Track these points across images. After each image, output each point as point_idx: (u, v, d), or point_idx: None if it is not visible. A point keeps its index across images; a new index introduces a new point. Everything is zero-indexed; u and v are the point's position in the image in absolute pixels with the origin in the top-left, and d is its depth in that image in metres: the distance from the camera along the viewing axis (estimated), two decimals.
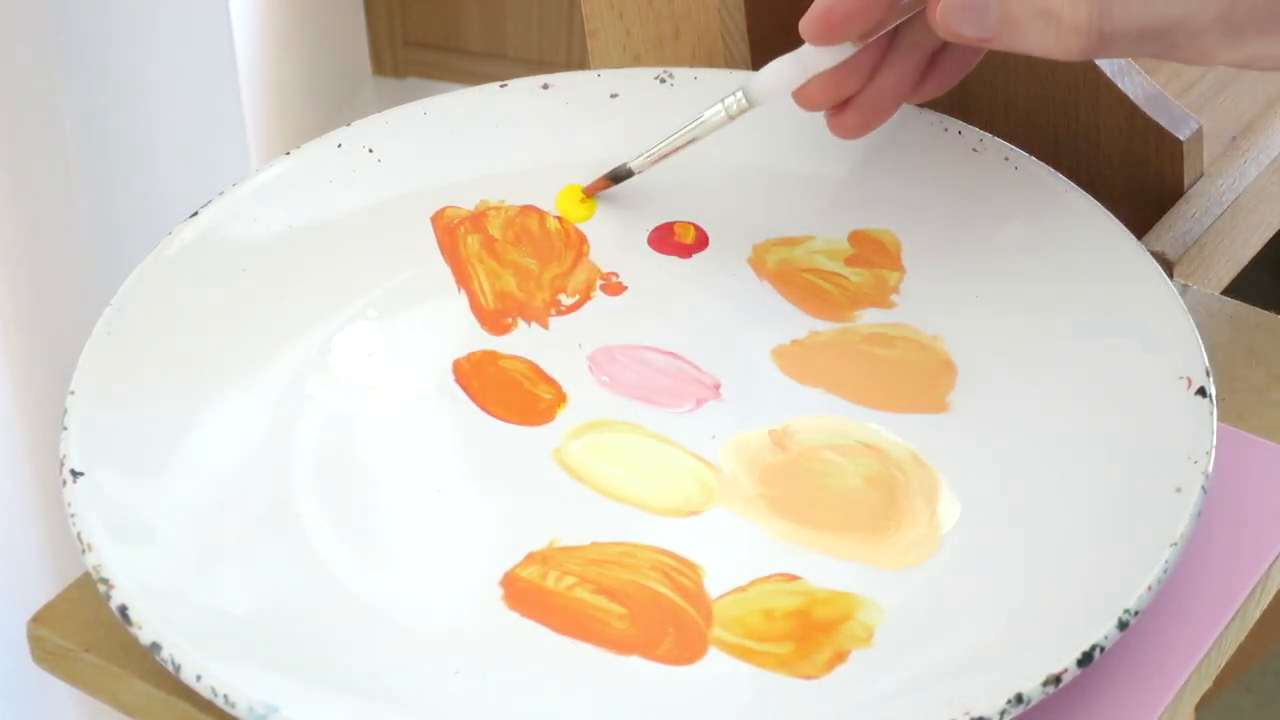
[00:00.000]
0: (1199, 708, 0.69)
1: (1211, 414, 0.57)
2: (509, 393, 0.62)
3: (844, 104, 0.63)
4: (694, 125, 0.65)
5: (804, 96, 0.63)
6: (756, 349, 0.63)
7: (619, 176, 0.66)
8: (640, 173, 0.66)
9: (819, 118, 0.64)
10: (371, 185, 0.68)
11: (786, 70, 0.63)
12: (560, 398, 0.62)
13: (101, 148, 1.38)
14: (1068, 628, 0.52)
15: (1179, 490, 0.55)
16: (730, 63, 0.72)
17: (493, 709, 0.53)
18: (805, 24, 0.61)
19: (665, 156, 0.65)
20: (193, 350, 0.62)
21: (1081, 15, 0.56)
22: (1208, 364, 0.58)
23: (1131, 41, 0.57)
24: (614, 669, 0.54)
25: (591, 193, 0.67)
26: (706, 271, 0.66)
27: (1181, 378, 0.58)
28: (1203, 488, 0.55)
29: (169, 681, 0.54)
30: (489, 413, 0.61)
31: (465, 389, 0.62)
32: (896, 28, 0.62)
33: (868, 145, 0.67)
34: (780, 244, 0.67)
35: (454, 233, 0.67)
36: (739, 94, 0.64)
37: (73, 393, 0.59)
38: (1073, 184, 0.65)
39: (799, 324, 0.64)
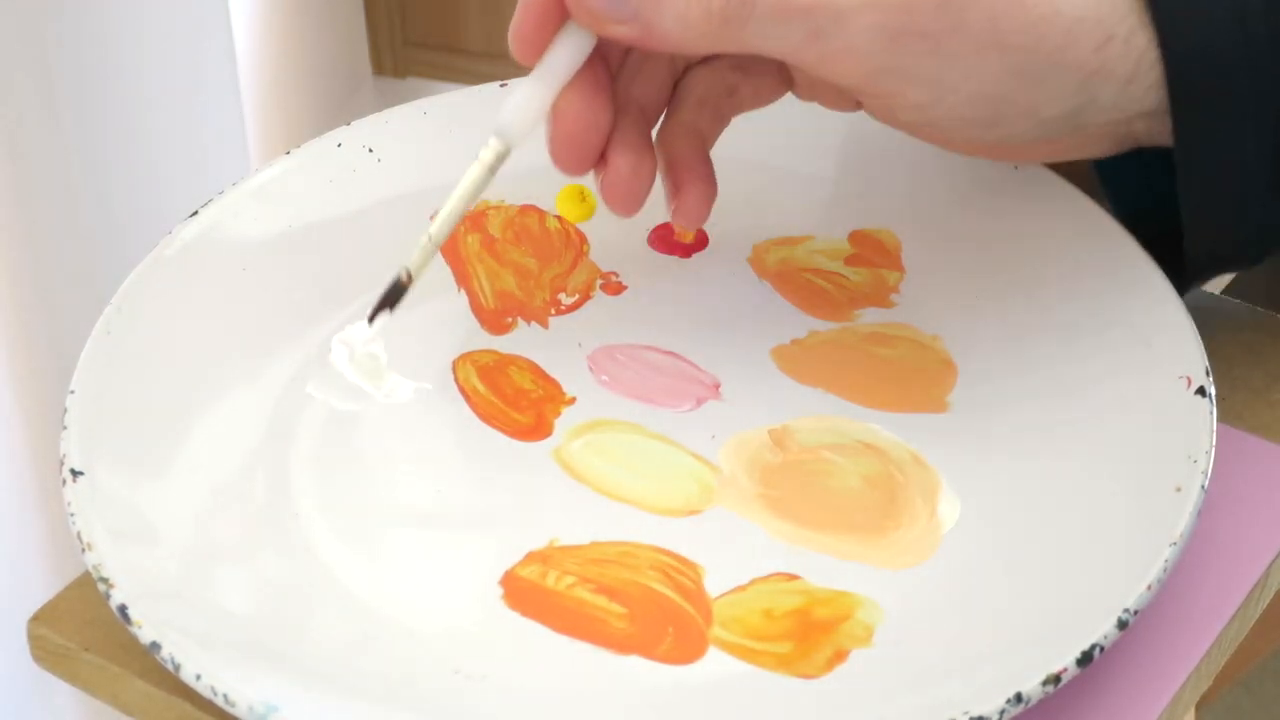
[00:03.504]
0: (1199, 708, 0.69)
1: (1211, 414, 0.57)
2: (508, 409, 0.62)
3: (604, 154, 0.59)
4: (457, 199, 0.58)
5: (560, 144, 0.59)
6: (756, 349, 0.63)
7: (397, 294, 0.59)
8: (417, 278, 0.59)
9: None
10: (371, 185, 0.68)
11: (528, 94, 0.58)
12: (557, 412, 0.62)
13: (101, 148, 1.38)
14: (1068, 627, 0.52)
15: (1179, 490, 0.55)
16: None
17: (493, 709, 0.53)
18: (511, 45, 0.58)
19: (436, 247, 0.59)
20: (192, 350, 0.62)
21: None
22: (1208, 364, 0.58)
23: (774, 14, 0.54)
24: (614, 669, 0.54)
25: (377, 316, 0.59)
26: (706, 271, 0.66)
27: (1181, 378, 0.58)
28: (1203, 487, 0.55)
29: (169, 681, 0.54)
30: (490, 426, 0.61)
31: (465, 399, 0.62)
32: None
33: (868, 145, 0.68)
34: (780, 244, 0.67)
35: (454, 232, 0.67)
36: (491, 140, 0.58)
37: (73, 393, 0.59)
38: (1072, 184, 0.65)
39: (799, 324, 0.64)
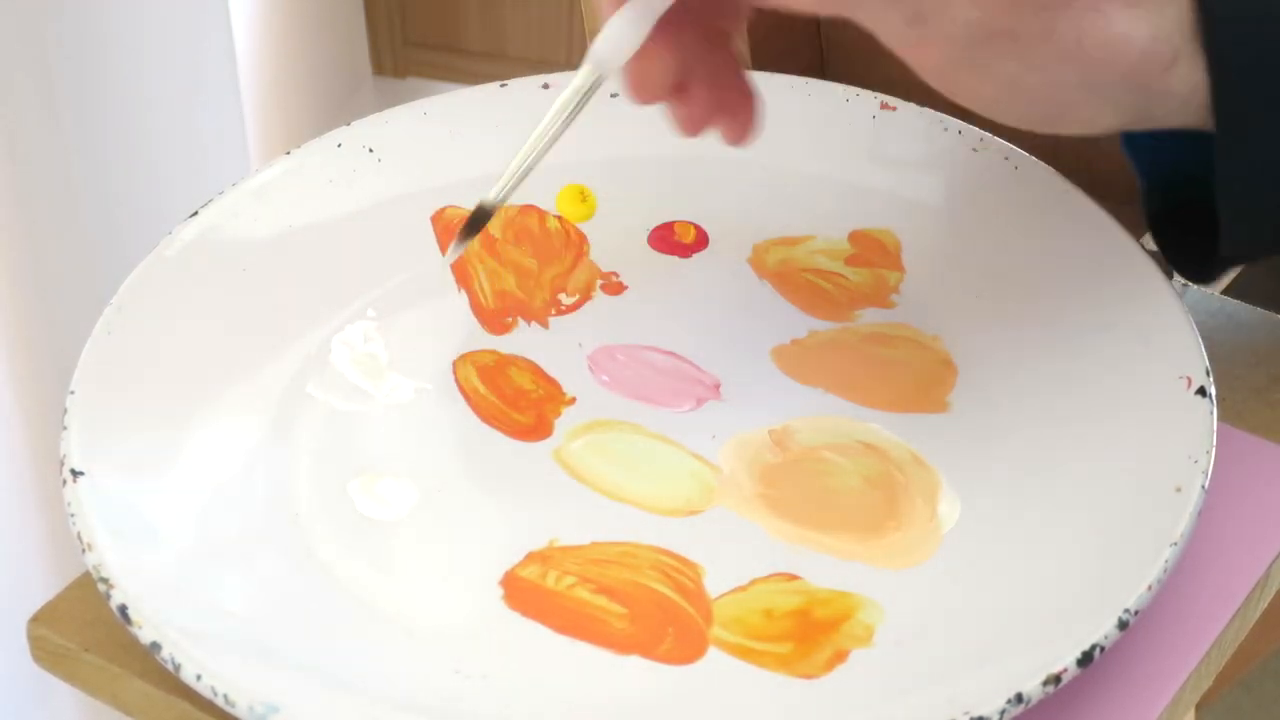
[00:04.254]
0: (1199, 708, 0.69)
1: (1211, 414, 0.57)
2: (508, 409, 0.62)
3: (684, 86, 0.59)
4: (546, 128, 0.59)
5: (637, 78, 0.58)
6: (756, 349, 0.63)
7: (479, 218, 0.59)
8: (500, 203, 0.59)
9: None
10: (371, 185, 0.68)
11: (624, 23, 0.57)
12: (557, 412, 0.62)
13: (101, 148, 1.38)
14: (1068, 627, 0.52)
15: (1179, 490, 0.55)
16: None
17: (493, 709, 0.53)
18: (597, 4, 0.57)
19: (525, 172, 0.59)
20: (193, 350, 0.62)
21: None
22: (1208, 364, 0.58)
23: None
24: (614, 669, 0.54)
25: (460, 243, 0.60)
26: (706, 271, 0.66)
27: (1181, 378, 0.58)
28: (1203, 488, 0.55)
29: (169, 681, 0.54)
30: (490, 425, 0.61)
31: (466, 399, 0.62)
32: None
33: (868, 145, 0.68)
34: (780, 244, 0.67)
35: (454, 232, 0.67)
36: (584, 68, 0.58)
37: (73, 393, 0.59)
38: (1072, 184, 0.65)
39: (799, 324, 0.64)
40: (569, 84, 0.58)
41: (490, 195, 0.59)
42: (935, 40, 0.55)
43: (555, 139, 0.59)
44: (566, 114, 0.59)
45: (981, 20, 0.55)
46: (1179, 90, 0.57)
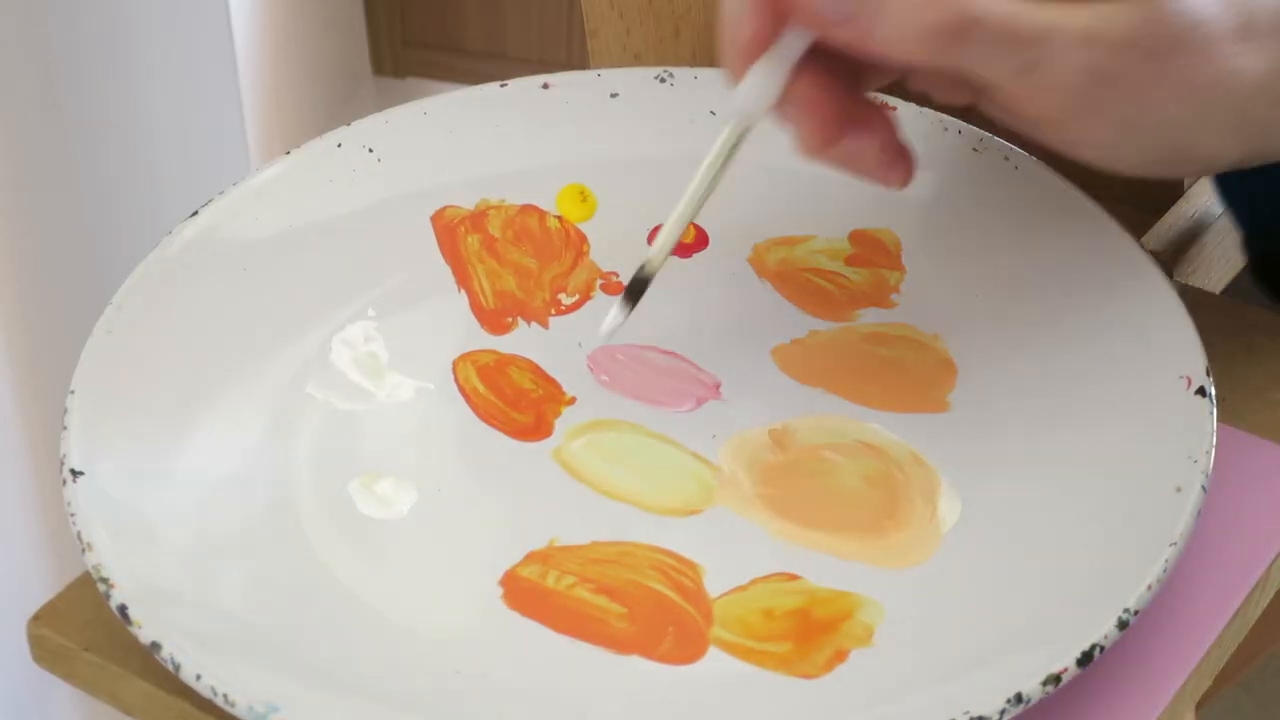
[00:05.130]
0: (1199, 708, 0.69)
1: (1211, 414, 0.57)
2: (508, 409, 0.62)
3: (841, 117, 0.59)
4: (699, 185, 0.60)
5: (811, 130, 0.59)
6: (756, 349, 0.63)
7: (642, 284, 0.61)
8: (661, 267, 0.61)
9: None
10: (371, 185, 0.68)
11: (762, 73, 0.58)
12: (557, 412, 0.62)
13: (102, 148, 1.38)
14: (1068, 627, 0.52)
15: (1179, 490, 0.55)
16: None
17: (493, 709, 0.53)
18: (727, 58, 0.58)
19: (681, 232, 0.61)
20: (193, 350, 0.62)
21: None
22: (1208, 364, 0.58)
23: (993, 40, 0.54)
24: (614, 669, 0.54)
25: (622, 311, 0.61)
26: (706, 271, 0.66)
27: (1181, 378, 0.58)
28: (1203, 488, 0.55)
29: (169, 681, 0.54)
30: (490, 425, 0.61)
31: (466, 399, 0.62)
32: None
33: None
34: (780, 243, 0.67)
35: (454, 232, 0.67)
36: (730, 122, 0.60)
37: (73, 393, 0.59)
38: (1072, 184, 0.65)
39: (799, 323, 0.64)
40: (716, 140, 0.60)
41: (651, 258, 0.61)
42: (1048, 88, 0.55)
43: (706, 198, 0.60)
44: (716, 171, 0.60)
45: (1092, 65, 0.55)
46: None
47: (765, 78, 0.58)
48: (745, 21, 0.58)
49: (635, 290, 0.61)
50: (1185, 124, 0.56)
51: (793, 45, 0.58)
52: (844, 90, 0.59)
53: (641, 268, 0.61)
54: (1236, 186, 0.64)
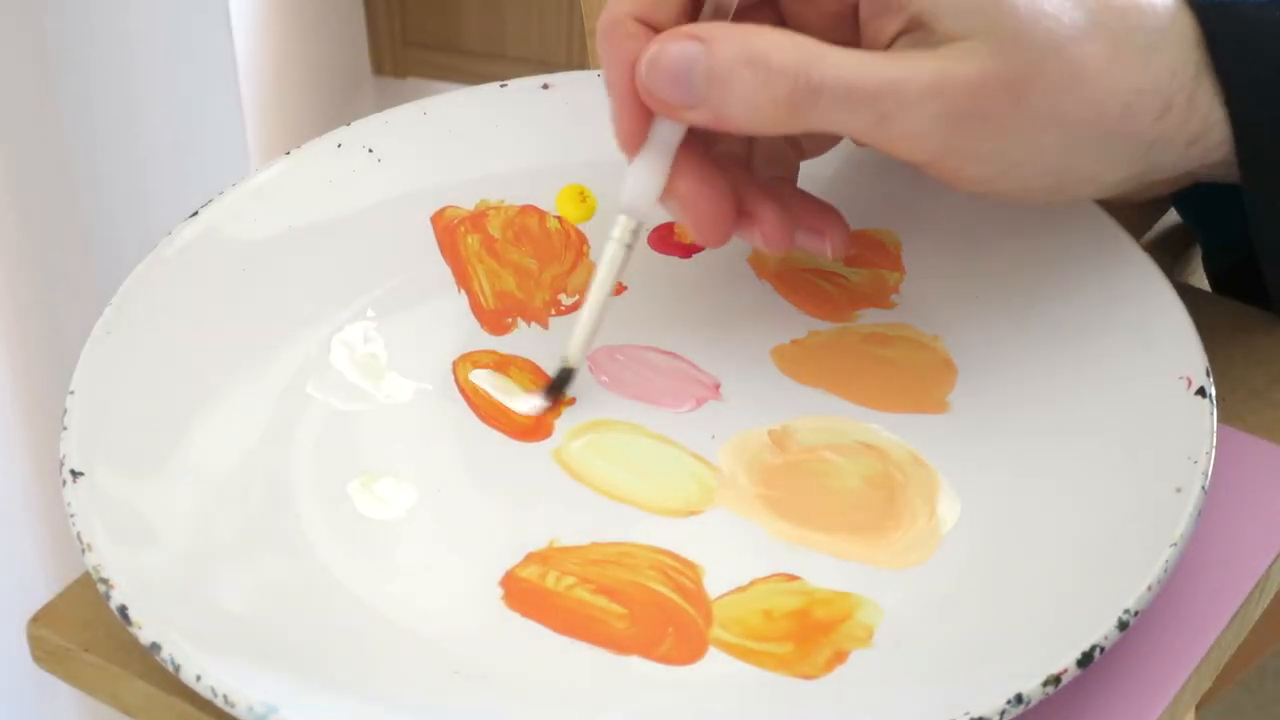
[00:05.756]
0: (1199, 708, 0.69)
1: (1211, 414, 0.57)
2: (508, 409, 0.62)
3: (750, 213, 0.61)
4: (602, 282, 0.61)
5: (698, 224, 0.60)
6: (756, 349, 0.63)
7: (565, 379, 0.61)
8: (582, 363, 0.61)
9: None
10: (371, 185, 0.68)
11: (644, 168, 0.60)
12: (557, 412, 0.62)
13: (101, 148, 1.38)
14: (1068, 628, 0.52)
15: (1179, 490, 0.55)
16: None
17: (493, 709, 0.53)
18: (618, 141, 0.60)
19: (596, 326, 0.61)
20: (192, 350, 0.62)
21: (790, 58, 0.55)
22: (1208, 364, 0.58)
23: (840, 101, 0.55)
24: (614, 669, 0.54)
25: (546, 400, 0.61)
26: (706, 271, 0.66)
27: (1181, 378, 0.58)
28: (1203, 488, 0.55)
29: (169, 681, 0.54)
30: (490, 425, 0.61)
31: (465, 399, 0.62)
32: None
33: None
34: None
35: (454, 233, 0.67)
36: (620, 219, 0.61)
37: (73, 393, 0.59)
38: None
39: (799, 324, 0.64)
40: (610, 237, 0.61)
41: (569, 355, 0.61)
42: (909, 136, 0.56)
43: (609, 290, 0.61)
44: (616, 266, 0.61)
45: (946, 110, 0.55)
46: (1178, 137, 0.57)
47: (646, 170, 0.60)
48: (617, 116, 0.59)
49: (559, 384, 0.61)
50: (1059, 151, 0.57)
51: (665, 135, 0.59)
52: (736, 179, 0.61)
53: (563, 363, 0.61)
54: (1192, 201, 0.64)
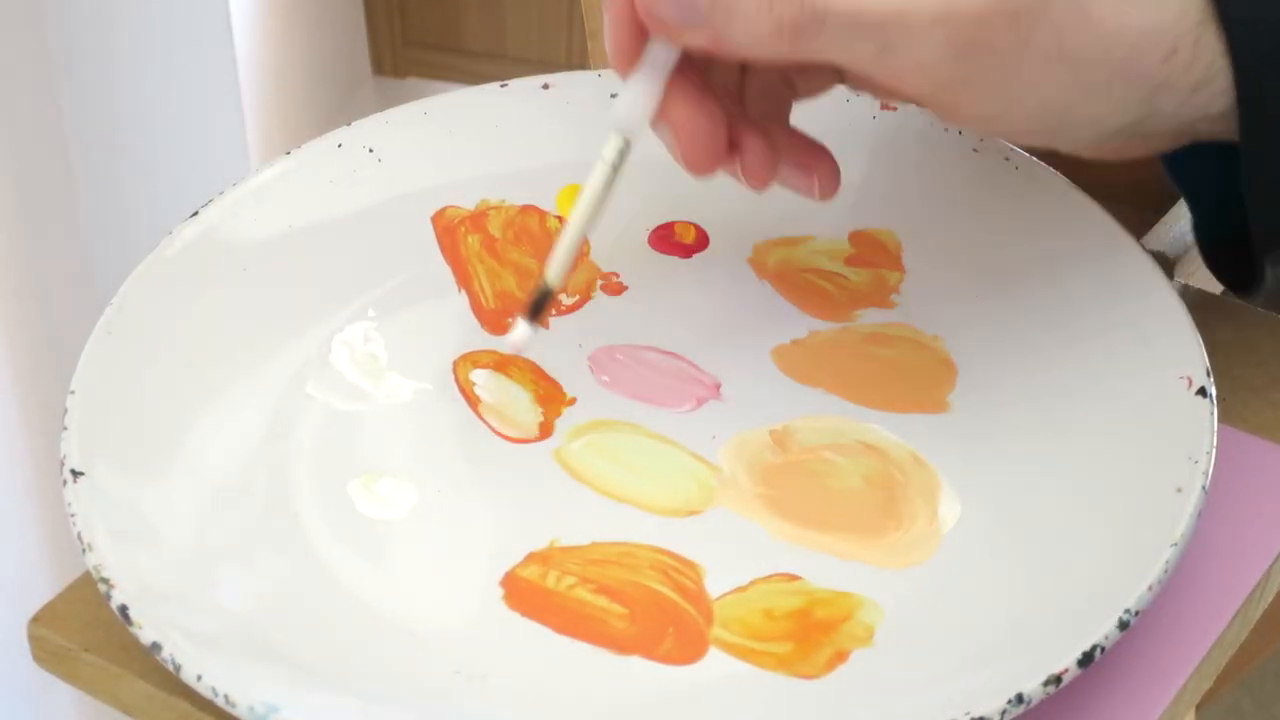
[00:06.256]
0: (1199, 708, 0.69)
1: (1211, 414, 0.57)
2: (511, 410, 0.62)
3: (737, 144, 0.60)
4: (587, 202, 0.60)
5: (688, 152, 0.59)
6: (756, 349, 0.63)
7: (544, 299, 0.61)
8: (563, 285, 0.61)
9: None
10: (371, 185, 0.68)
11: (637, 88, 0.59)
12: (558, 412, 0.62)
13: (101, 148, 1.38)
14: (1068, 628, 0.52)
15: (1179, 490, 0.55)
16: None
17: (493, 709, 0.53)
18: (610, 59, 0.59)
19: (577, 247, 0.60)
20: (193, 350, 0.62)
21: None
22: (1208, 364, 0.58)
23: (845, 29, 0.54)
24: (614, 669, 0.54)
25: (528, 324, 0.61)
26: (706, 271, 0.66)
27: (1181, 378, 0.58)
28: (1203, 488, 0.55)
29: (169, 681, 0.54)
30: (490, 427, 0.61)
31: (466, 399, 0.62)
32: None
33: (868, 145, 0.68)
34: (780, 244, 0.67)
35: (454, 232, 0.67)
36: (610, 136, 0.60)
37: (73, 393, 0.59)
38: (1073, 184, 0.65)
39: (799, 324, 0.64)
40: (599, 156, 0.59)
41: (549, 276, 0.60)
42: (912, 67, 0.55)
43: (597, 211, 0.60)
44: (603, 185, 0.60)
45: (952, 40, 0.54)
46: (1182, 82, 0.56)
47: (639, 89, 0.59)
48: (610, 34, 0.59)
49: (537, 306, 0.61)
50: (1063, 89, 0.56)
51: (660, 56, 0.58)
52: (728, 110, 0.60)
53: (542, 284, 0.61)
54: (1185, 165, 0.63)
